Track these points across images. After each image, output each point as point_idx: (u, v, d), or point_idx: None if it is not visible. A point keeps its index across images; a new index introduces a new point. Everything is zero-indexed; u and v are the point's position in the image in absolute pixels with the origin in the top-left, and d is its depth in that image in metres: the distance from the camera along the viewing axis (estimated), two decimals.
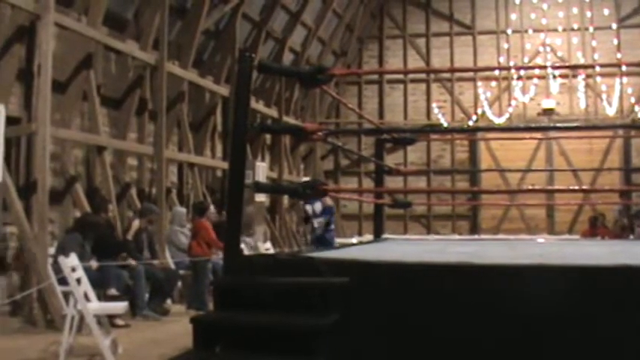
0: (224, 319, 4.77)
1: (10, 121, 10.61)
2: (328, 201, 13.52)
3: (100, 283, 10.56)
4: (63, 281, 8.81)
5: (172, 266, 13.32)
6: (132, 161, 15.14)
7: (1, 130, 9.86)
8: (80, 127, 13.38)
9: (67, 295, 8.69)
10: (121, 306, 9.72)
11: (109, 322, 9.22)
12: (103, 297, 10.45)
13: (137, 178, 15.18)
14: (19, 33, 11.51)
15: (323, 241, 13.33)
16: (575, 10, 23.70)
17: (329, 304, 4.49)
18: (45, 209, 10.92)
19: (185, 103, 16.66)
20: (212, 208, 14.70)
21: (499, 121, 23.59)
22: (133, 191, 14.56)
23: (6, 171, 10.54)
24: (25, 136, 11.82)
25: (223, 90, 18.08)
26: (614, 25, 23.53)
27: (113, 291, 11.05)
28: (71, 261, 8.77)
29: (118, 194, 14.01)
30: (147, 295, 11.84)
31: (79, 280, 8.59)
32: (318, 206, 13.49)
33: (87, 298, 8.83)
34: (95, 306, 8.92)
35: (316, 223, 13.58)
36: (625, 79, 22.99)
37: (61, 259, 8.60)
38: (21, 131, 11.64)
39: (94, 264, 10.90)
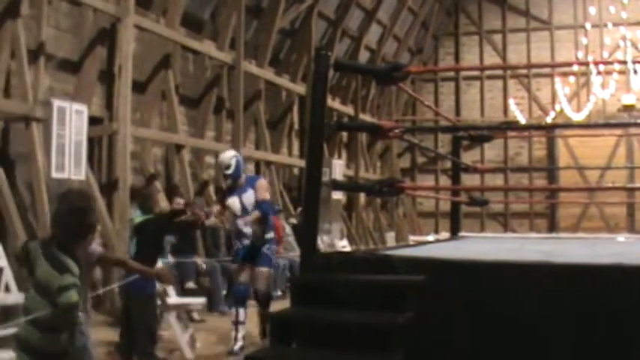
0: (300, 316, 4.83)
1: (93, 121, 10.90)
2: (263, 189, 9.11)
3: (177, 276, 10.74)
4: None
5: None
6: (210, 159, 15.34)
7: (85, 129, 10.15)
8: (159, 126, 13.64)
9: None
10: (199, 301, 9.89)
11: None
12: (181, 291, 10.60)
13: (215, 176, 15.38)
14: (101, 35, 11.78)
15: (256, 255, 8.89)
16: None
17: (406, 301, 4.51)
18: (126, 206, 11.15)
19: (262, 102, 16.81)
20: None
21: (578, 117, 23.13)
22: (211, 189, 14.75)
23: (89, 169, 10.82)
24: (106, 136, 12.10)
25: (300, 88, 18.18)
26: None
27: (191, 284, 11.24)
28: None
29: (197, 192, 14.21)
30: (224, 292, 11.97)
31: None
32: (249, 198, 8.93)
33: (166, 292, 9.00)
34: (174, 300, 9.09)
35: (243, 222, 8.94)
36: None
37: None
38: (103, 131, 11.91)
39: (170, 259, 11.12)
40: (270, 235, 9.04)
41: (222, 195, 9.51)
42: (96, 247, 5.05)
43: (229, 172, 8.89)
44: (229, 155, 9.05)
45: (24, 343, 4.24)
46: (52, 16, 11.27)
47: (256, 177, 9.75)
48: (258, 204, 8.78)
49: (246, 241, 8.92)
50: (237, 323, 8.77)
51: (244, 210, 8.84)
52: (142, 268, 6.22)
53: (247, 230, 8.91)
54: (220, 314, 11.48)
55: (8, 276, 8.74)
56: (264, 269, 8.90)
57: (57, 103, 9.84)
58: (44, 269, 4.18)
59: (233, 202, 8.90)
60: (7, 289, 8.70)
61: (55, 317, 4.12)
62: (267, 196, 9.05)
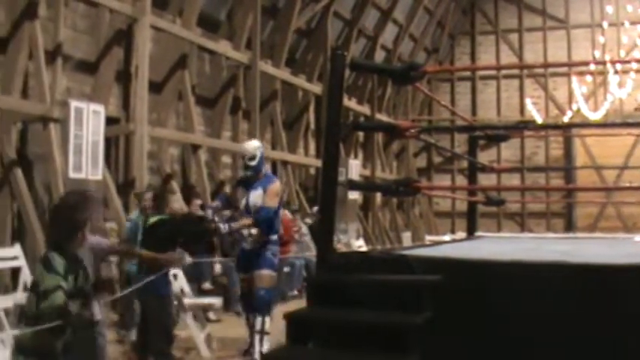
0: (317, 316, 4.83)
1: (110, 121, 10.94)
2: (273, 194, 8.21)
3: (194, 277, 10.76)
4: None
5: None
6: (226, 159, 15.38)
7: (102, 130, 10.19)
8: (176, 126, 13.69)
9: None
10: (215, 301, 9.92)
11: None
12: (197, 291, 10.63)
13: (231, 176, 15.41)
14: (118, 36, 11.85)
15: (255, 259, 8.08)
16: None
17: (422, 301, 4.50)
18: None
19: (278, 102, 16.85)
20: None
21: (595, 116, 23.01)
22: (227, 188, 14.78)
23: (106, 169, 10.87)
24: (123, 136, 12.16)
25: (316, 88, 18.21)
26: None
27: (207, 285, 11.25)
28: None
29: (213, 192, 14.25)
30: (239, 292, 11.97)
31: (175, 276, 8.79)
32: (256, 197, 8.15)
33: (183, 292, 9.03)
34: (191, 300, 9.12)
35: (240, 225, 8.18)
36: None
37: None
38: (120, 131, 11.98)
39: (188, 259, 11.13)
40: (273, 237, 8.22)
41: (237, 184, 9.05)
42: (102, 239, 5.07)
43: (253, 163, 8.14)
44: (254, 145, 8.32)
45: (23, 344, 4.27)
46: (69, 18, 11.34)
47: (273, 177, 8.89)
48: (260, 209, 8.05)
49: (244, 244, 8.25)
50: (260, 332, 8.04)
51: (247, 209, 8.14)
52: (153, 256, 6.72)
53: (245, 231, 8.17)
54: (236, 314, 11.49)
55: (26, 275, 8.78)
56: (266, 272, 8.08)
57: (74, 103, 9.88)
58: (37, 268, 4.25)
59: (243, 197, 8.21)
60: (25, 288, 8.75)
61: (46, 316, 4.15)
62: (274, 203, 8.16)
